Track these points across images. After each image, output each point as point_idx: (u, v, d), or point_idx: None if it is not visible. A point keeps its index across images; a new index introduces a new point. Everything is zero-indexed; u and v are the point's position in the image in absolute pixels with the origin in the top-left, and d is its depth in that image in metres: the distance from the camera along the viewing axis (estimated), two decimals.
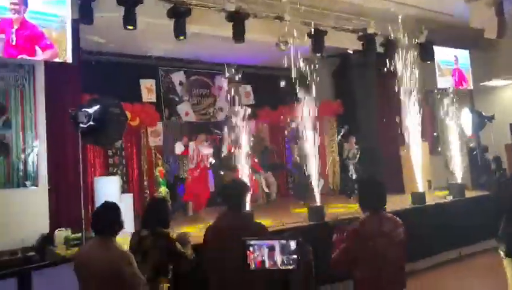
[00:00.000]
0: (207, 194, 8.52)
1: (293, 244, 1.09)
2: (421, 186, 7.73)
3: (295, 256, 1.07)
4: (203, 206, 8.37)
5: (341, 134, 10.26)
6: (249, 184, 6.53)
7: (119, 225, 2.96)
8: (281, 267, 1.06)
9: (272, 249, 1.07)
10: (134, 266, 2.85)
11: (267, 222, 5.43)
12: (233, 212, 3.17)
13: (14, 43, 5.07)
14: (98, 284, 2.76)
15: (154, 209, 3.55)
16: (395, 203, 7.91)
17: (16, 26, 5.09)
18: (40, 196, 5.87)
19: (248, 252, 1.08)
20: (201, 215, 7.97)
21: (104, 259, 2.77)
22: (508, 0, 8.23)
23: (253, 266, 1.08)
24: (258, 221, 3.42)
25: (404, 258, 2.91)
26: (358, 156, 9.48)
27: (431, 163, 9.32)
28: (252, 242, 1.09)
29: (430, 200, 7.58)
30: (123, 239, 3.18)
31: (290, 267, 1.05)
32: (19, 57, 5.23)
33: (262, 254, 1.08)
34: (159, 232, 3.39)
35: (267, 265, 1.07)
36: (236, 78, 8.27)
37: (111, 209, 3.00)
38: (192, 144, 8.54)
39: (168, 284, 3.38)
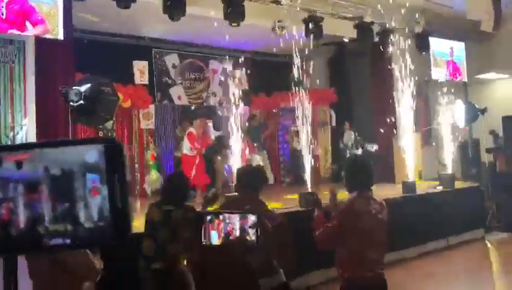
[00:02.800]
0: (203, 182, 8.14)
1: (253, 218, 1.03)
2: (411, 176, 7.77)
3: (254, 230, 1.02)
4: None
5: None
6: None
7: None
8: (242, 240, 1.01)
9: (231, 223, 1.02)
10: None
11: None
12: (242, 198, 2.89)
13: (4, 16, 4.95)
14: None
15: (177, 183, 3.50)
16: (386, 191, 7.96)
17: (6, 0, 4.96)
18: None
19: (209, 225, 1.02)
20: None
21: None
22: None
23: (215, 240, 1.02)
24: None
25: (386, 239, 2.93)
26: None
27: (423, 154, 9.37)
28: (211, 216, 1.03)
29: (420, 190, 7.63)
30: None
31: (250, 240, 1.00)
32: (9, 31, 5.11)
33: (223, 227, 1.02)
34: (186, 207, 3.35)
35: (229, 237, 1.02)
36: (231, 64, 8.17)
37: None
38: (193, 129, 8.22)
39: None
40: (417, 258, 6.85)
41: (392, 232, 6.71)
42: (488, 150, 8.83)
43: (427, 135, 9.94)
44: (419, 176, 9.11)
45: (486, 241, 7.71)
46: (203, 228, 1.06)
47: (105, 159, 0.65)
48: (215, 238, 1.05)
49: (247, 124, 9.40)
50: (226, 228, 1.06)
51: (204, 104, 10.42)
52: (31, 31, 5.21)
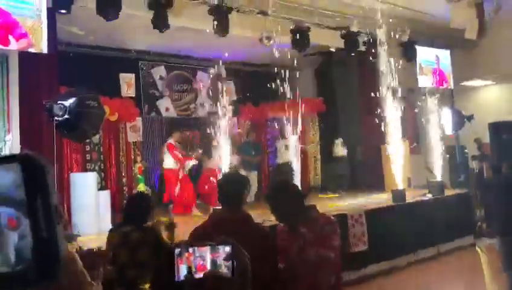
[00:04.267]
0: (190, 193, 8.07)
1: (227, 249, 0.95)
2: (401, 184, 7.78)
3: (229, 262, 0.94)
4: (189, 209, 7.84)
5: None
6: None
7: None
8: (215, 275, 0.92)
9: (202, 256, 0.94)
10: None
11: None
12: (230, 211, 2.62)
13: None
14: None
15: (139, 203, 3.44)
16: (376, 200, 7.97)
17: None
18: None
19: (178, 259, 0.94)
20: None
21: None
22: (488, 1, 8.32)
23: (183, 274, 0.95)
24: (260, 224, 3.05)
25: None
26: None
27: (411, 161, 9.41)
28: (181, 249, 0.96)
29: (409, 198, 7.64)
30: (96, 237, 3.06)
31: (224, 273, 0.92)
32: None
33: (193, 261, 0.95)
34: (145, 228, 3.29)
35: (198, 274, 0.94)
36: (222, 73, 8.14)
37: None
38: (172, 141, 8.19)
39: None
40: (408, 266, 6.83)
41: (383, 242, 6.71)
42: (473, 157, 8.92)
43: (415, 143, 9.99)
44: (408, 183, 9.14)
45: (477, 248, 7.71)
46: (175, 263, 0.99)
47: (24, 180, 0.53)
48: (185, 274, 0.98)
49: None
50: (195, 262, 0.98)
51: (193, 115, 10.36)
52: (14, 45, 5.11)
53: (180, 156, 8.05)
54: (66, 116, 4.63)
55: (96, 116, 5.03)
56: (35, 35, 5.19)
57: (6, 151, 5.70)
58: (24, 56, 5.70)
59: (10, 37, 5.07)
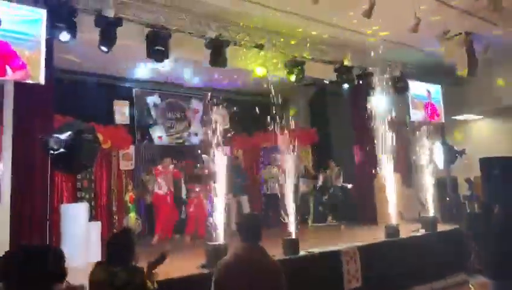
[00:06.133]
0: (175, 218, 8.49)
1: None
2: (394, 219, 7.75)
3: None
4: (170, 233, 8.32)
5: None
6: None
7: None
8: None
9: None
10: None
11: None
12: (251, 245, 2.99)
13: None
14: None
15: (122, 242, 3.27)
16: (369, 235, 7.91)
17: None
18: (1, 222, 5.51)
19: None
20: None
21: None
22: (478, 39, 8.54)
23: None
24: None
25: None
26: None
27: (403, 195, 9.41)
28: None
29: (402, 233, 7.60)
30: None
31: None
32: None
33: None
34: (133, 267, 3.19)
35: None
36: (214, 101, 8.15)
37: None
38: (159, 166, 8.46)
39: None
40: None
41: (377, 278, 6.62)
42: (464, 197, 8.99)
43: (407, 176, 10.03)
44: (401, 217, 9.12)
45: (470, 285, 7.68)
46: None
47: None
48: None
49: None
50: None
51: (186, 143, 10.32)
52: (10, 76, 5.07)
53: (162, 181, 8.32)
54: (61, 149, 4.56)
55: (92, 150, 4.97)
56: (33, 66, 5.16)
57: None
58: (19, 84, 5.65)
59: (7, 68, 5.03)
